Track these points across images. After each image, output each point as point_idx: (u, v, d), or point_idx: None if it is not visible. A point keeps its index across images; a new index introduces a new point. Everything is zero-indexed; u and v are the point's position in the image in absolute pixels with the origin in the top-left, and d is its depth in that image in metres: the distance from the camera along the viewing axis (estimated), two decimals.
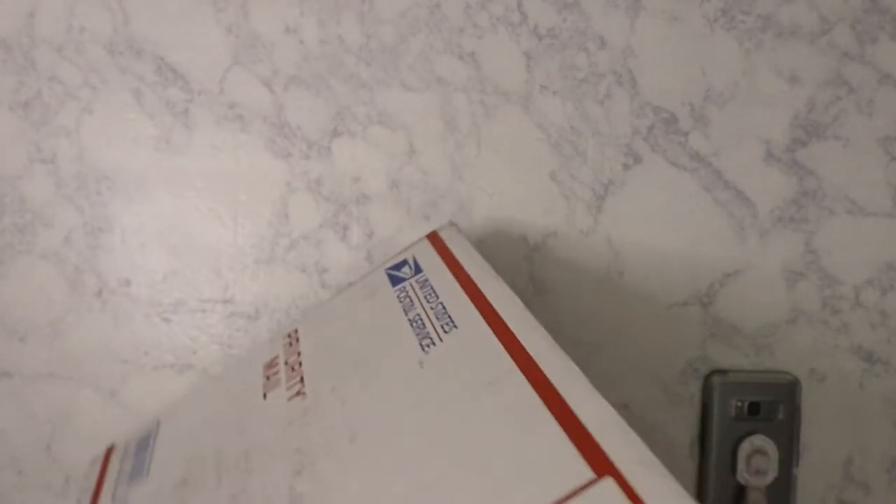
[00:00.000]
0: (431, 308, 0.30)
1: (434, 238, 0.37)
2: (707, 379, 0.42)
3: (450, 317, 0.29)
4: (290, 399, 0.31)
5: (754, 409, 0.41)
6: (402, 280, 0.34)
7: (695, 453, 0.43)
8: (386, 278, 0.35)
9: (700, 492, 0.43)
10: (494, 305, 0.28)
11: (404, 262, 0.36)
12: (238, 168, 0.43)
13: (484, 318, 0.28)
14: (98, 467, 0.38)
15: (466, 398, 0.24)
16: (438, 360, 0.27)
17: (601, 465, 0.18)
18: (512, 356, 0.25)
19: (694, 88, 0.41)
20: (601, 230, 0.42)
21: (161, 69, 0.43)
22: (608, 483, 0.17)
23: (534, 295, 0.42)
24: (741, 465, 0.41)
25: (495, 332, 0.26)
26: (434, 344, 0.28)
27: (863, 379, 0.42)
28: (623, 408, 0.43)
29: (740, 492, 0.42)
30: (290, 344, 0.36)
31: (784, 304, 0.42)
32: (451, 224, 0.38)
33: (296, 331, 0.37)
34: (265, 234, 0.43)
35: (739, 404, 0.41)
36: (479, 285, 0.30)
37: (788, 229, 0.42)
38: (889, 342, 0.42)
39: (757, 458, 0.41)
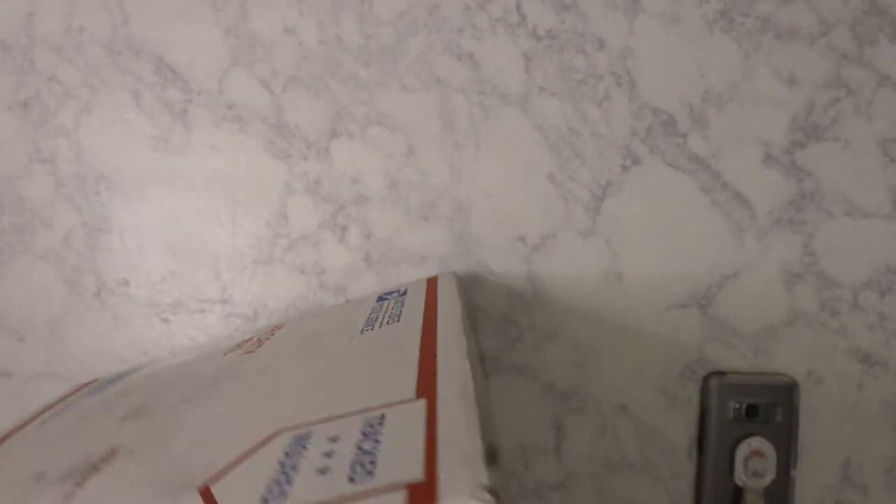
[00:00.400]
0: (391, 311, 0.33)
1: (431, 279, 0.40)
2: (705, 381, 0.42)
3: (399, 316, 0.32)
4: (240, 355, 0.34)
5: (752, 410, 0.41)
6: (386, 299, 0.37)
7: (693, 455, 0.43)
8: (375, 297, 0.39)
9: (698, 494, 0.43)
10: (438, 311, 0.31)
11: (398, 290, 0.39)
12: (237, 168, 0.43)
13: (423, 318, 0.31)
14: (74, 388, 0.41)
15: (364, 356, 0.27)
16: (366, 338, 0.30)
17: (425, 391, 0.21)
18: (422, 337, 0.28)
19: (693, 90, 0.41)
20: (599, 232, 0.42)
21: (160, 69, 0.43)
22: (420, 403, 0.20)
23: (532, 296, 0.42)
24: (739, 466, 0.41)
25: (423, 327, 0.29)
26: (372, 329, 0.31)
27: (861, 381, 0.42)
28: (621, 409, 0.43)
29: (738, 493, 0.42)
30: (272, 330, 0.38)
31: (782, 305, 0.42)
32: (453, 272, 0.41)
33: (283, 323, 0.40)
34: (264, 235, 0.43)
35: (737, 406, 0.41)
36: (439, 302, 0.33)
37: (787, 231, 0.42)
38: (887, 344, 0.42)
39: (755, 459, 0.41)
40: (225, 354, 0.36)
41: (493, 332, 0.43)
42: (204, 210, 0.43)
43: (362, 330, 0.31)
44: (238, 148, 0.43)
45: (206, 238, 0.43)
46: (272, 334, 0.37)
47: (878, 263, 0.42)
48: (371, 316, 0.33)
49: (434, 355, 0.24)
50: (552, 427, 0.43)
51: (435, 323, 0.29)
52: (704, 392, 0.42)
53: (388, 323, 0.31)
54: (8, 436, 0.33)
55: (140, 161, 0.43)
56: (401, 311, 0.33)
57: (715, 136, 0.41)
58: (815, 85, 0.41)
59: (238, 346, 0.37)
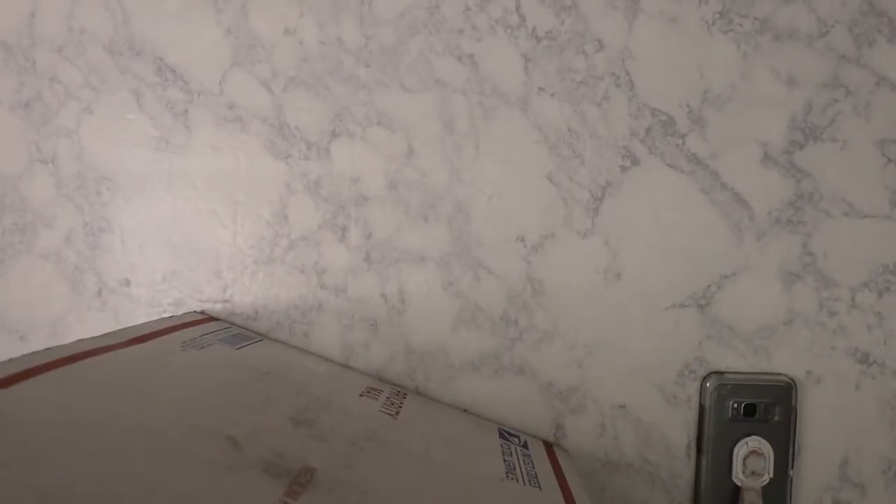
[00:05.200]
0: (525, 467, 0.36)
1: (546, 445, 0.42)
2: (704, 380, 0.42)
3: (537, 480, 0.35)
4: (380, 412, 0.37)
5: (750, 410, 0.41)
6: (509, 440, 0.40)
7: (691, 454, 0.43)
8: (494, 428, 0.41)
9: (696, 493, 0.43)
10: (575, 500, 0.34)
11: (516, 435, 0.41)
12: (237, 169, 0.43)
13: (563, 498, 0.34)
14: (184, 320, 0.43)
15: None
16: (514, 490, 0.33)
17: None
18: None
19: (691, 91, 0.41)
20: (599, 232, 0.42)
21: (161, 70, 0.43)
22: None
23: (531, 296, 0.43)
24: (737, 466, 0.41)
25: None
26: (517, 481, 0.33)
27: (859, 380, 0.42)
28: (620, 408, 0.43)
29: (736, 492, 0.42)
30: (398, 393, 0.41)
31: (781, 305, 0.42)
32: (565, 450, 0.43)
33: (404, 391, 0.42)
34: (264, 235, 0.43)
35: (736, 406, 0.41)
36: (571, 487, 0.36)
37: (785, 231, 0.42)
38: (885, 344, 0.42)
39: (753, 459, 0.41)
40: (360, 396, 0.38)
41: (493, 332, 0.43)
42: (205, 210, 0.44)
43: (507, 474, 0.34)
44: (239, 148, 0.43)
45: (207, 238, 0.44)
46: (401, 402, 0.39)
47: (875, 263, 0.42)
48: (507, 460, 0.36)
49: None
50: (552, 426, 0.43)
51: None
52: (703, 392, 0.42)
53: (530, 483, 0.34)
54: (141, 338, 0.34)
55: (141, 161, 0.44)
56: (535, 473, 0.36)
57: (714, 136, 0.42)
58: (813, 85, 0.41)
59: (368, 392, 0.39)
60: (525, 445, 0.40)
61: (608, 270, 0.42)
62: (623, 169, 0.42)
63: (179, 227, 0.44)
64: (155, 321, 0.39)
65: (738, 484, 0.42)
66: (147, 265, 0.44)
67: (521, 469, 0.35)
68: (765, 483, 0.41)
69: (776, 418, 0.41)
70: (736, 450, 0.41)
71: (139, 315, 0.44)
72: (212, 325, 0.42)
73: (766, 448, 0.41)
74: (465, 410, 0.43)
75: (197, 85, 0.43)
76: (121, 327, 0.44)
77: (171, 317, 0.41)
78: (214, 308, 0.44)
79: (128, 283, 0.44)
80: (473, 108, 0.42)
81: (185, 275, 0.44)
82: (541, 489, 0.33)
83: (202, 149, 0.43)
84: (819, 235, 0.42)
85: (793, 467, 0.42)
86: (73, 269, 0.44)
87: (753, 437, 0.41)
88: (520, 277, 0.43)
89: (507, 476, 0.34)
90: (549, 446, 0.42)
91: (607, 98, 0.42)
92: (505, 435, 0.40)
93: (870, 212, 0.42)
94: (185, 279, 0.44)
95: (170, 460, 0.23)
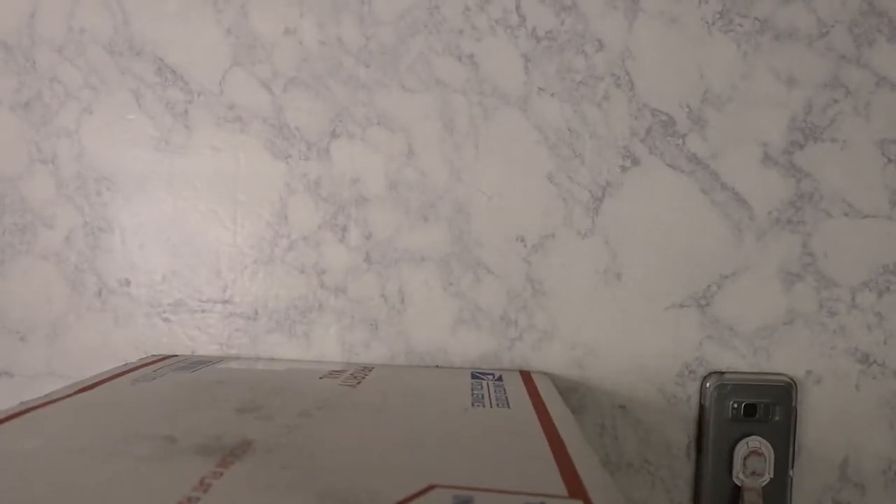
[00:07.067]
0: (495, 394, 0.35)
1: (523, 373, 0.42)
2: (704, 381, 0.42)
3: (507, 402, 0.34)
4: (340, 385, 0.36)
5: (750, 410, 0.41)
6: (482, 378, 0.39)
7: (692, 454, 0.43)
8: (468, 372, 0.41)
9: (697, 493, 0.43)
10: (549, 410, 0.33)
11: (490, 373, 0.41)
12: (237, 169, 0.43)
13: (536, 411, 0.32)
14: (144, 361, 0.43)
15: (489, 432, 0.29)
16: (481, 413, 0.31)
17: (578, 493, 0.22)
18: (545, 433, 0.29)
19: (692, 91, 0.41)
20: (599, 232, 0.42)
21: (161, 70, 0.43)
22: (577, 503, 0.21)
23: (531, 296, 0.43)
24: (737, 466, 0.41)
25: (540, 420, 0.31)
26: (483, 406, 0.33)
27: (859, 381, 0.42)
28: (620, 409, 0.43)
29: (736, 493, 0.42)
30: (363, 369, 0.41)
31: (781, 305, 0.42)
32: (545, 374, 0.42)
33: (370, 366, 0.42)
34: (264, 235, 0.43)
35: (736, 406, 0.41)
36: (546, 402, 0.34)
37: (786, 231, 0.42)
38: (885, 344, 0.42)
39: (753, 459, 0.41)
40: (321, 378, 0.37)
41: (493, 331, 0.43)
42: (205, 210, 0.44)
43: (472, 403, 0.33)
44: (239, 148, 0.43)
45: (207, 238, 0.44)
46: (365, 374, 0.39)
47: (875, 263, 0.42)
48: (475, 392, 0.35)
49: (568, 457, 0.26)
50: None
51: (551, 420, 0.31)
52: (703, 392, 0.42)
53: (498, 406, 0.33)
54: (90, 386, 0.34)
55: (141, 161, 0.44)
56: (506, 398, 0.35)
57: (714, 136, 0.42)
58: (813, 85, 0.41)
59: (330, 374, 0.39)
60: (500, 379, 0.39)
61: (608, 270, 0.42)
62: (623, 169, 0.42)
63: (179, 227, 0.44)
64: (108, 370, 0.38)
65: (739, 484, 0.42)
66: (147, 265, 0.44)
67: (490, 397, 0.35)
68: (765, 483, 0.41)
69: (776, 418, 0.41)
70: (736, 450, 0.41)
71: (139, 315, 0.44)
72: (168, 361, 0.41)
73: (767, 448, 0.41)
74: (437, 366, 0.43)
75: (197, 85, 0.43)
76: (121, 328, 0.44)
77: (125, 364, 0.41)
78: (215, 308, 0.44)
79: (128, 283, 0.44)
80: (473, 108, 0.42)
81: (185, 275, 0.44)
82: (510, 408, 0.33)
83: (202, 149, 0.43)
84: (819, 235, 0.42)
85: (793, 467, 0.42)
86: (73, 270, 0.44)
87: (753, 437, 0.41)
88: (520, 277, 0.43)
89: (473, 405, 0.33)
90: (527, 374, 0.41)
91: (607, 98, 0.42)
92: (478, 375, 0.40)
93: (870, 212, 0.42)
94: (185, 279, 0.44)
95: (94, 466, 0.23)
